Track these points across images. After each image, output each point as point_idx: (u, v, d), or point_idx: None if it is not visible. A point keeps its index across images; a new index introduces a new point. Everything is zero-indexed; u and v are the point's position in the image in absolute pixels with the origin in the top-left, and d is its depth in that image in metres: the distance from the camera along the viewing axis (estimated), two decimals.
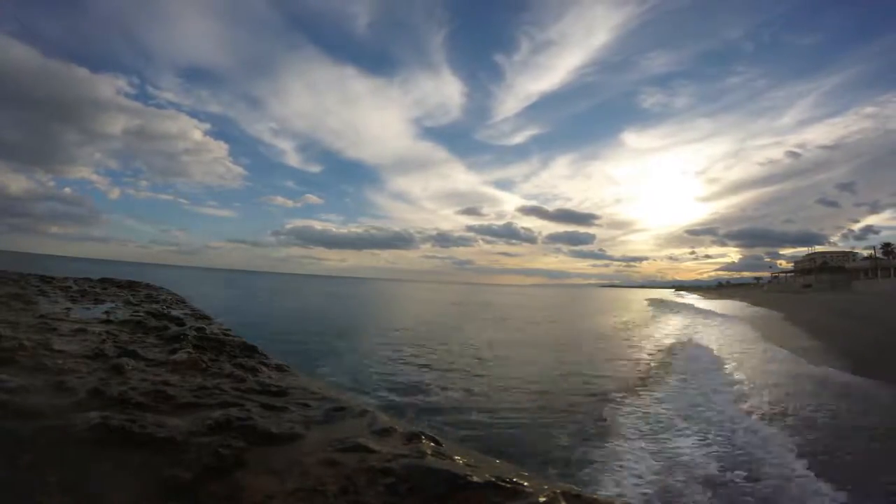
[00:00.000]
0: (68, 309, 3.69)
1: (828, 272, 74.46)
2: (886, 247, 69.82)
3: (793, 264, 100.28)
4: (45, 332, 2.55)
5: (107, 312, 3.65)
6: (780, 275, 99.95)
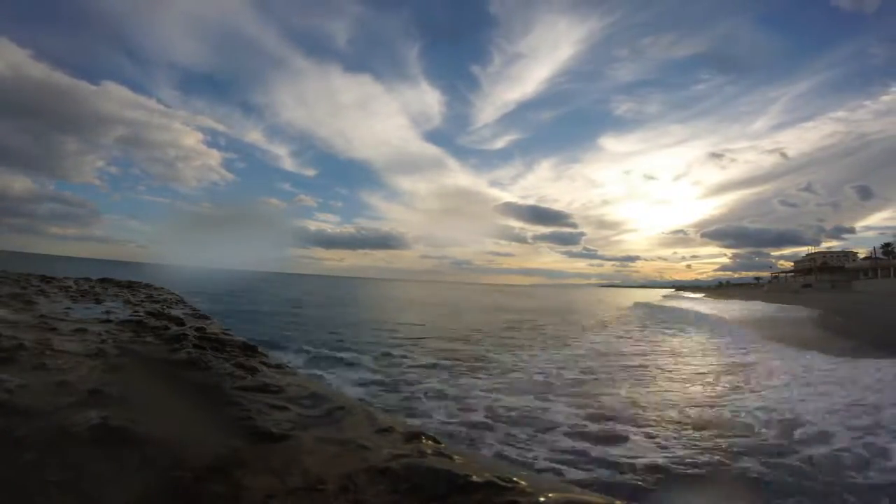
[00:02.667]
0: (68, 309, 3.69)
1: (828, 272, 74.46)
2: (886, 247, 69.79)
3: (793, 264, 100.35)
4: (46, 332, 2.55)
5: (107, 312, 3.65)
6: (780, 275, 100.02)
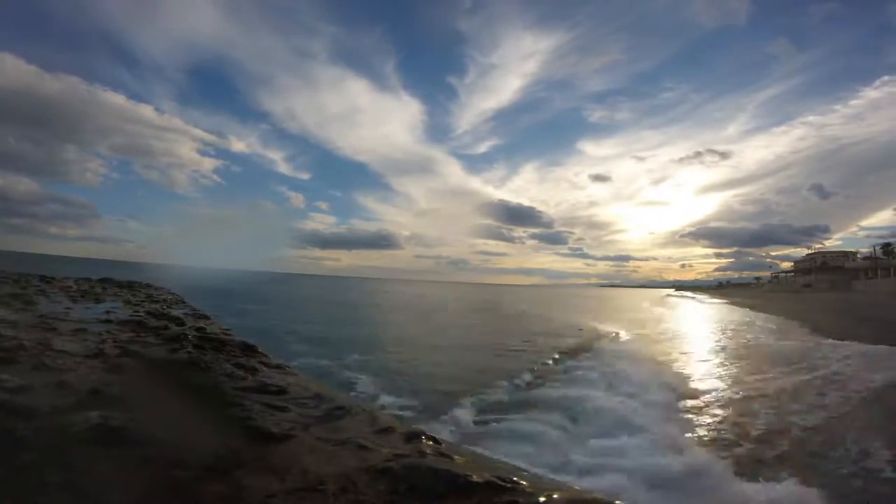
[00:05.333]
0: (69, 309, 3.69)
1: (828, 272, 74.44)
2: (886, 247, 69.74)
3: (792, 264, 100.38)
4: (46, 332, 2.55)
5: (107, 312, 3.65)
6: (780, 274, 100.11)
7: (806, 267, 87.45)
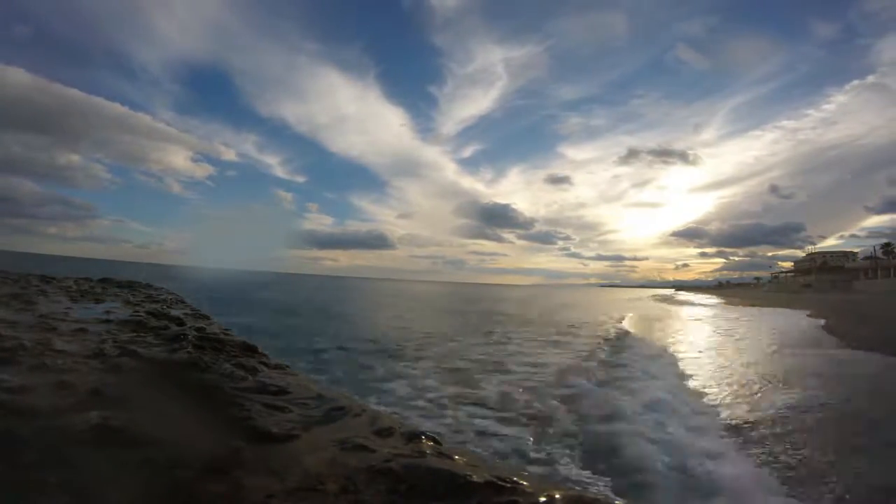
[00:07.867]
0: (69, 309, 3.69)
1: (828, 272, 74.44)
2: (886, 246, 69.73)
3: (792, 264, 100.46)
4: (46, 332, 2.55)
5: (107, 312, 3.65)
6: (780, 274, 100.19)
7: (806, 267, 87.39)
